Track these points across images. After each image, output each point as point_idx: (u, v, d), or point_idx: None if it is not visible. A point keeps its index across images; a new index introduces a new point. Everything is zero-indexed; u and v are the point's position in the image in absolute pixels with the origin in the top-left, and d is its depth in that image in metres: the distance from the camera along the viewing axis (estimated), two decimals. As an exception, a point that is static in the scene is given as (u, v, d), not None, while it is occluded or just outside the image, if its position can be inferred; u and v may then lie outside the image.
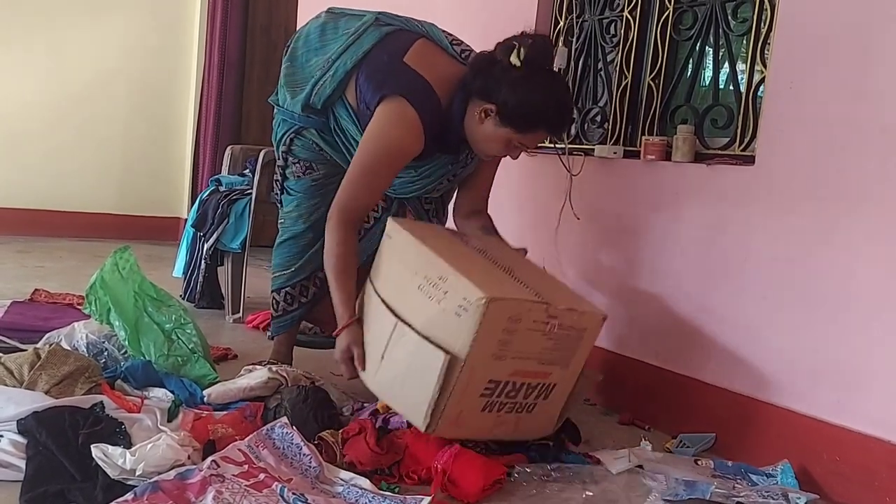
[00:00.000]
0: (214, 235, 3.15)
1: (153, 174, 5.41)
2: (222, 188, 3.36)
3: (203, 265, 3.22)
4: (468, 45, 2.07)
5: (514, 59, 1.80)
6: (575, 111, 2.68)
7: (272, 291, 2.28)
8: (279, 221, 2.30)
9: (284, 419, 1.65)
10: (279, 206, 2.31)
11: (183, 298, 3.23)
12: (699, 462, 1.89)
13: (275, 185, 2.32)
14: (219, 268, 3.26)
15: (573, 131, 2.68)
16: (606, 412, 2.32)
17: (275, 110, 2.27)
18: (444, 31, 2.09)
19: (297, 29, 2.31)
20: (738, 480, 1.79)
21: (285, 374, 1.98)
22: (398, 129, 1.91)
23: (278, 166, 2.28)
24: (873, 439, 1.72)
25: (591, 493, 1.66)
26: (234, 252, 3.14)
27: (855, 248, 1.78)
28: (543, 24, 2.76)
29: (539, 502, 1.61)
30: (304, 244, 2.23)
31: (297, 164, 2.21)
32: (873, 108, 1.76)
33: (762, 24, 2.09)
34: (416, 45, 1.99)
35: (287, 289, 2.25)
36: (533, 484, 1.66)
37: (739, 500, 1.63)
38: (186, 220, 3.72)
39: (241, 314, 3.12)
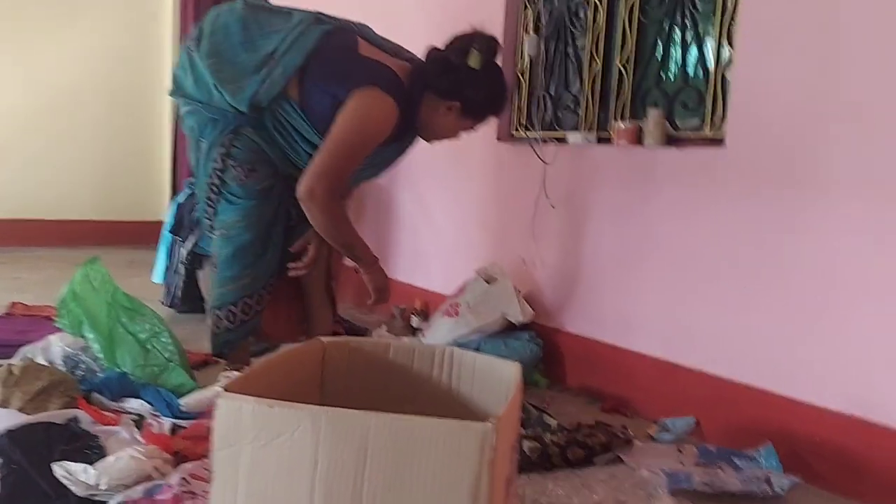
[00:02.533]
0: (192, 239, 3.12)
1: (133, 178, 5.35)
2: (198, 191, 3.33)
3: (182, 269, 3.19)
4: (396, 43, 2.19)
5: (473, 62, 2.01)
6: (548, 98, 2.67)
7: (227, 304, 2.19)
8: (216, 232, 2.18)
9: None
10: (208, 219, 2.20)
11: (164, 304, 3.20)
12: (682, 449, 1.88)
13: (210, 196, 2.17)
14: (198, 271, 3.23)
15: (547, 119, 2.67)
16: (590, 401, 2.32)
17: (185, 108, 2.18)
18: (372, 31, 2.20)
19: (207, 17, 2.18)
20: (722, 466, 1.77)
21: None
22: (378, 112, 1.99)
23: (215, 171, 2.13)
24: (852, 419, 1.72)
25: (597, 497, 1.63)
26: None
27: (827, 228, 1.77)
28: (512, 11, 2.74)
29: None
30: (254, 254, 2.18)
31: (239, 168, 2.11)
32: (843, 85, 1.74)
33: (728, 2, 2.07)
34: (362, 42, 2.10)
35: (245, 299, 2.20)
36: (541, 492, 1.63)
37: (722, 486, 1.63)
38: (166, 224, 3.68)
39: (222, 317, 3.09)
